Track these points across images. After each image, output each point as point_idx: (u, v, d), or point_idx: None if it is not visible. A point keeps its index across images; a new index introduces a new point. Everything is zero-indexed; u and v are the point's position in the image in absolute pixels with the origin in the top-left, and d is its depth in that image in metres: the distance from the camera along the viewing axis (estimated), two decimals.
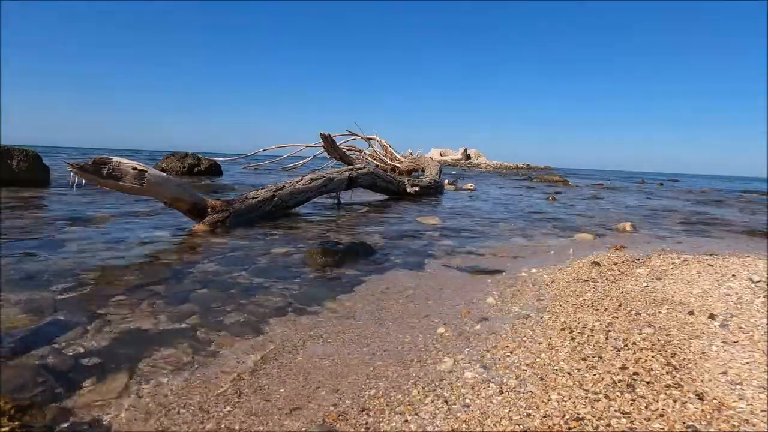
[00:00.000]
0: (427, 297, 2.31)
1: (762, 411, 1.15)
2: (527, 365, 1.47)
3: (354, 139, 12.76)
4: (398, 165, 11.97)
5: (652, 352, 1.50)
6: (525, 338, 1.70)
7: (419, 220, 4.71)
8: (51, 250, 2.78)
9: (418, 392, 1.35)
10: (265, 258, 2.91)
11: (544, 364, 1.47)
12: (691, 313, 1.83)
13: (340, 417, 1.23)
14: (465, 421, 1.19)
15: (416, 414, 1.23)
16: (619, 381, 1.33)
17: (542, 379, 1.37)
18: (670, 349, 1.52)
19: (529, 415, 1.19)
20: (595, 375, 1.37)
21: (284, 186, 4.73)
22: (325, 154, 9.50)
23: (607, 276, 2.55)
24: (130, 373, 1.42)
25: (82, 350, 1.54)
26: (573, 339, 1.65)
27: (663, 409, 1.17)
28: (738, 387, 1.26)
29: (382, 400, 1.32)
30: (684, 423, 1.12)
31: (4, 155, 5.84)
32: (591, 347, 1.57)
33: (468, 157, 38.09)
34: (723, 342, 1.54)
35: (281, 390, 1.37)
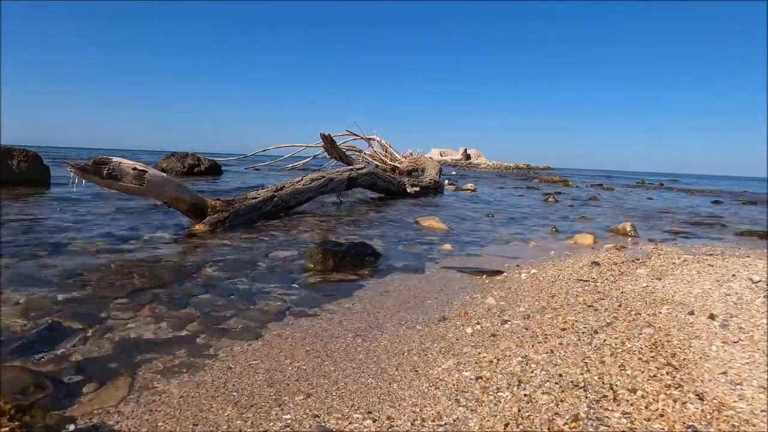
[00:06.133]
0: (427, 298, 2.31)
1: (762, 411, 1.15)
2: (527, 365, 1.47)
3: (354, 139, 12.77)
4: (398, 165, 11.97)
5: (652, 352, 1.50)
6: (524, 338, 1.70)
7: (419, 220, 4.71)
8: (51, 251, 2.78)
9: (414, 393, 1.35)
10: (265, 259, 2.91)
11: (544, 365, 1.47)
12: (691, 313, 1.83)
13: (329, 414, 1.23)
14: (461, 420, 1.19)
15: (414, 414, 1.24)
16: (619, 381, 1.33)
17: (541, 379, 1.37)
18: (670, 349, 1.52)
19: (528, 415, 1.19)
20: (594, 375, 1.37)
21: (284, 186, 4.73)
22: (326, 154, 9.50)
23: (607, 276, 2.55)
24: (131, 378, 1.41)
25: (82, 355, 1.53)
26: (573, 339, 1.65)
27: (663, 409, 1.17)
28: (738, 387, 1.26)
29: (377, 399, 1.32)
30: (684, 423, 1.12)
31: (4, 155, 5.84)
32: (591, 348, 1.57)
33: (468, 157, 38.09)
34: (723, 342, 1.54)
35: (269, 389, 1.37)
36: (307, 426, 1.19)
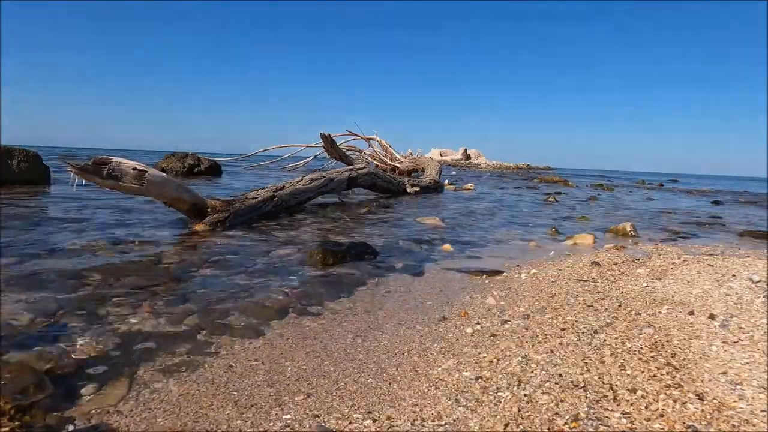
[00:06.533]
0: (427, 297, 2.31)
1: (762, 411, 1.15)
2: (527, 365, 1.47)
3: (354, 139, 12.77)
4: (398, 165, 11.97)
5: (652, 352, 1.50)
6: (524, 338, 1.70)
7: (419, 220, 4.71)
8: (51, 250, 2.78)
9: (414, 393, 1.35)
10: (266, 259, 2.91)
11: (544, 365, 1.47)
12: (692, 313, 1.83)
13: (328, 413, 1.23)
14: (461, 420, 1.19)
15: (414, 414, 1.24)
16: (619, 381, 1.33)
17: (541, 379, 1.37)
18: (670, 349, 1.52)
19: (528, 415, 1.19)
20: (594, 375, 1.37)
21: (284, 186, 4.73)
22: (326, 154, 9.50)
23: (607, 276, 2.55)
24: (131, 377, 1.42)
25: (82, 353, 1.54)
26: (573, 339, 1.65)
27: (663, 409, 1.17)
28: (738, 387, 1.26)
29: (377, 399, 1.32)
30: (684, 423, 1.12)
31: (4, 155, 5.84)
32: (591, 347, 1.57)
33: (468, 157, 38.11)
34: (723, 342, 1.54)
35: (270, 389, 1.37)
36: (307, 426, 1.19)
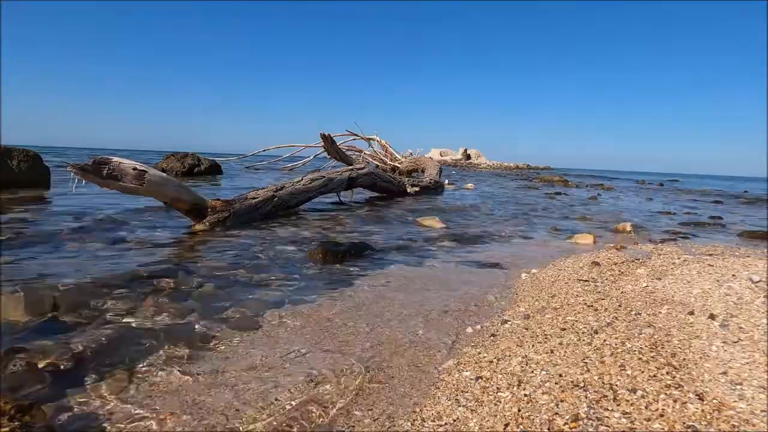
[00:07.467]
0: (426, 297, 2.31)
1: (762, 411, 1.15)
2: (527, 365, 1.47)
3: (354, 139, 12.76)
4: (398, 165, 11.97)
5: (652, 352, 1.50)
6: (524, 338, 1.70)
7: (419, 220, 4.71)
8: (52, 249, 2.78)
9: (414, 392, 1.35)
10: (265, 257, 2.91)
11: (544, 365, 1.47)
12: (692, 313, 1.83)
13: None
14: (461, 420, 1.19)
15: (414, 414, 1.24)
16: (619, 381, 1.33)
17: (541, 379, 1.37)
18: (670, 349, 1.52)
19: (528, 415, 1.19)
20: (594, 375, 1.37)
21: (284, 186, 4.73)
22: (325, 154, 9.50)
23: (607, 276, 2.55)
24: (132, 369, 1.42)
25: (83, 346, 1.54)
26: (573, 339, 1.65)
27: (663, 409, 1.17)
28: (738, 387, 1.26)
29: (375, 396, 1.32)
30: (684, 423, 1.12)
31: (4, 155, 5.84)
32: (591, 348, 1.57)
33: (468, 157, 38.11)
34: (723, 342, 1.54)
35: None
36: (308, 417, 1.19)
